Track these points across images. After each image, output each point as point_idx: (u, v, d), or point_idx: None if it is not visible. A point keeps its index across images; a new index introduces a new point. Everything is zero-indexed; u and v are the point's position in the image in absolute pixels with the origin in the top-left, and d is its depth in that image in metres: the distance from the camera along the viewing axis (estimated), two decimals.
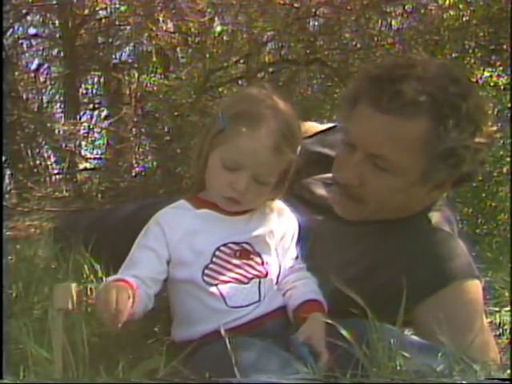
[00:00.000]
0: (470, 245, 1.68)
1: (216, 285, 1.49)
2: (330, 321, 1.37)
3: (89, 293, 1.58)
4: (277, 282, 1.56)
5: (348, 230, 1.66)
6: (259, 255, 1.54)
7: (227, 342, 1.27)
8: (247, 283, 1.51)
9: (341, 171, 1.60)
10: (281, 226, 1.59)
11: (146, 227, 1.54)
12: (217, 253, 1.51)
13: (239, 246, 1.52)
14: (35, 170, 4.87)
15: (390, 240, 1.61)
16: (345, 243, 1.65)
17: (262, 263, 1.54)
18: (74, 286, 1.40)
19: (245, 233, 1.54)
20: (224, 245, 1.51)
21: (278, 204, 1.61)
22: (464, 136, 1.49)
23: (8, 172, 4.79)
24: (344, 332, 1.29)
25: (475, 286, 1.58)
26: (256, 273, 1.52)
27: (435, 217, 1.66)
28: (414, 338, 1.46)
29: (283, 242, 1.59)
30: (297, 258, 1.61)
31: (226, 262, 1.51)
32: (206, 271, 1.50)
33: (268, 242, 1.56)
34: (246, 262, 1.52)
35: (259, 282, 1.52)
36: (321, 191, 1.75)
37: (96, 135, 5.07)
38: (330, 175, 1.70)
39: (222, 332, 1.33)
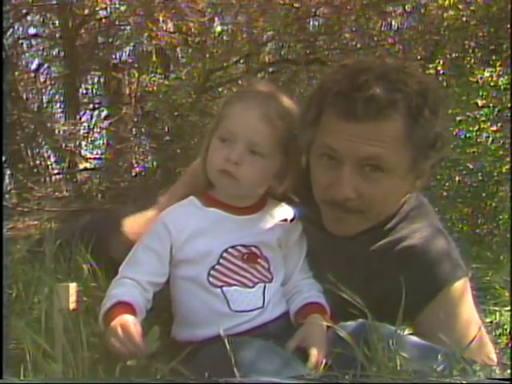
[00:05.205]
0: (470, 245, 1.68)
1: (221, 287, 1.47)
2: (330, 323, 1.37)
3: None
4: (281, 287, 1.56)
5: (336, 244, 1.64)
6: (266, 260, 1.52)
7: (228, 346, 1.27)
8: (252, 287, 1.49)
9: (333, 188, 1.52)
10: (290, 232, 1.57)
11: (151, 226, 1.53)
12: (224, 254, 1.49)
13: (247, 248, 1.50)
14: (35, 170, 4.88)
15: (379, 251, 1.60)
16: (336, 259, 1.63)
17: (269, 268, 1.52)
18: (73, 286, 1.40)
19: (254, 235, 1.52)
20: (232, 247, 1.49)
21: (288, 210, 1.60)
22: (440, 120, 1.52)
23: (8, 172, 4.79)
24: (344, 334, 1.28)
25: (465, 284, 1.59)
26: (262, 277, 1.50)
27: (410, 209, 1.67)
28: (414, 338, 1.45)
29: (291, 249, 1.58)
30: (303, 265, 1.60)
31: (232, 264, 1.49)
32: (212, 272, 1.48)
33: (276, 247, 1.54)
34: (252, 265, 1.50)
35: (264, 287, 1.50)
36: None
37: (96, 135, 5.09)
38: None
39: (223, 336, 1.31)
